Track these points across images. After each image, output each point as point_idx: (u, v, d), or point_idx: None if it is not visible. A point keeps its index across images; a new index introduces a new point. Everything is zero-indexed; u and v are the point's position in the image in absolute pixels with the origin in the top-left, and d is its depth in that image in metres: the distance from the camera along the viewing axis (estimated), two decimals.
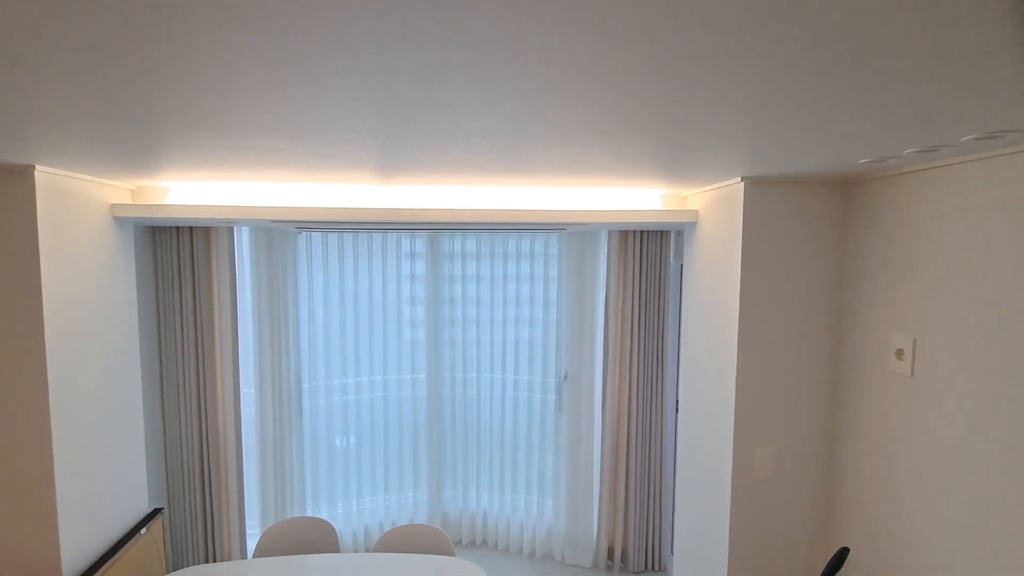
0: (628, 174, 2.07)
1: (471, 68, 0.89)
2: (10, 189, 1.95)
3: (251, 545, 3.28)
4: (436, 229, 3.02)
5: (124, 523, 2.53)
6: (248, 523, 3.26)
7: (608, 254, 3.34)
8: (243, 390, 3.19)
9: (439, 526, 3.61)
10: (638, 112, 1.16)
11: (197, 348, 3.03)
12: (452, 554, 2.52)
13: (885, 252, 1.98)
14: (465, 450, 3.73)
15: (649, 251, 3.29)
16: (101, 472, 2.34)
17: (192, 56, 0.84)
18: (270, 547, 2.56)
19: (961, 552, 1.66)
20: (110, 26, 0.73)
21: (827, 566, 2.04)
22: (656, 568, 3.50)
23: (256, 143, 1.51)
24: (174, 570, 3.09)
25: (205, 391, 3.04)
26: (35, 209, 1.96)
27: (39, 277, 1.98)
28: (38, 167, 1.95)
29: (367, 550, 3.62)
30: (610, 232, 3.34)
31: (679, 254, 3.21)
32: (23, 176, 1.95)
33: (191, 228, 2.97)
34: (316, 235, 3.37)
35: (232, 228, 3.05)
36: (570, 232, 3.38)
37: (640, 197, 2.71)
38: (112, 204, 2.43)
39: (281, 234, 3.25)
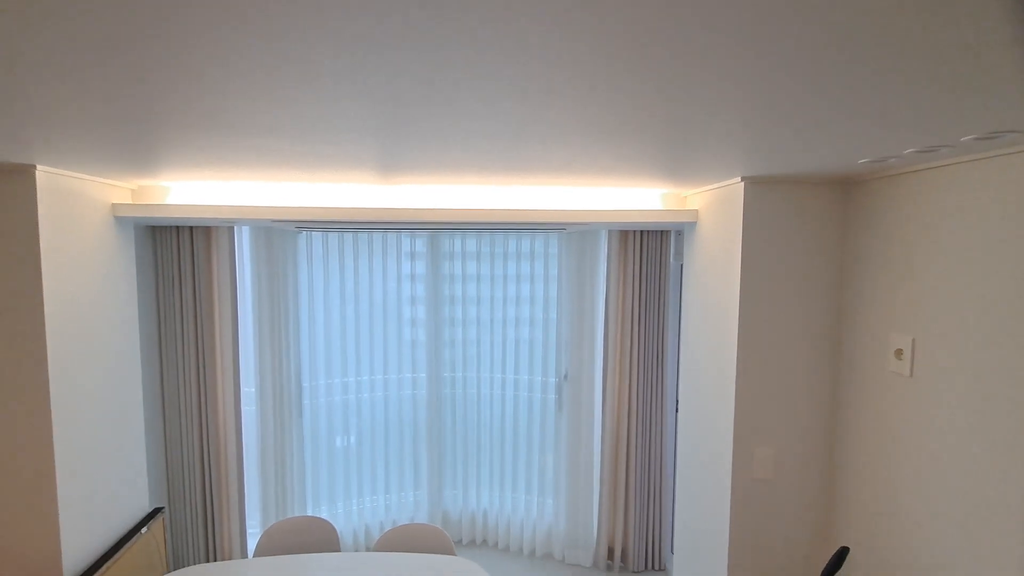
0: (628, 174, 2.07)
1: (471, 68, 0.89)
2: (11, 189, 1.95)
3: (251, 544, 3.28)
4: (436, 229, 3.02)
5: (125, 522, 2.53)
6: (248, 522, 3.27)
7: (608, 254, 3.34)
8: (243, 389, 3.19)
9: (439, 525, 3.62)
10: (638, 112, 1.16)
11: (197, 347, 3.03)
12: (452, 553, 2.52)
13: (885, 252, 1.98)
14: (465, 449, 3.73)
15: (649, 251, 3.29)
16: (102, 471, 2.34)
17: (192, 56, 0.84)
18: (270, 546, 2.57)
19: (961, 552, 1.66)
20: (110, 26, 0.73)
21: (827, 566, 2.04)
22: (656, 567, 3.50)
23: (256, 143, 1.51)
24: (175, 569, 3.10)
25: (205, 390, 3.05)
26: (36, 209, 1.96)
27: (40, 277, 1.98)
28: (39, 167, 1.96)
29: (367, 549, 3.62)
30: (610, 232, 3.34)
31: (679, 254, 3.21)
32: (24, 176, 1.95)
33: (191, 228, 2.97)
34: (316, 235, 3.37)
35: (232, 228, 3.05)
36: (570, 232, 3.38)
37: (640, 197, 2.71)
38: (113, 204, 2.43)
39: (281, 234, 3.25)
